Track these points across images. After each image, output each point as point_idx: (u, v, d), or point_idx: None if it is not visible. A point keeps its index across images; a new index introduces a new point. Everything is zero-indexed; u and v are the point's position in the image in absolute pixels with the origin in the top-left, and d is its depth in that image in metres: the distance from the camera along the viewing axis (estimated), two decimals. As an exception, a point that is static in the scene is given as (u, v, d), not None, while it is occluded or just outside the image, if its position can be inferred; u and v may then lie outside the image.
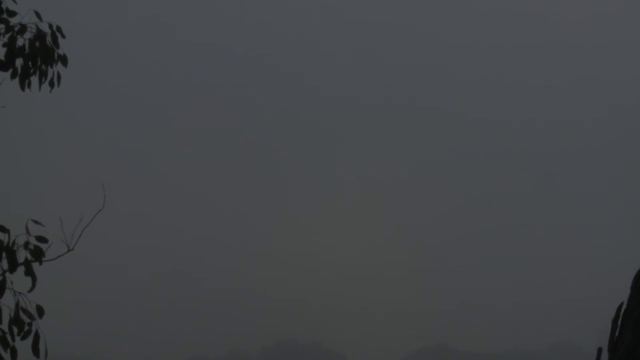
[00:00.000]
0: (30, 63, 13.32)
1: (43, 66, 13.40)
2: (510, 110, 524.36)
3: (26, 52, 13.23)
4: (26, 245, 11.87)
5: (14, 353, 11.70)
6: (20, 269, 11.87)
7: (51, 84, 13.63)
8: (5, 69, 13.32)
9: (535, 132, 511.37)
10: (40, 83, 13.55)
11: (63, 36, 13.35)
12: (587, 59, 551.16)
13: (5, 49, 13.24)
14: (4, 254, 11.76)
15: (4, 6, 13.14)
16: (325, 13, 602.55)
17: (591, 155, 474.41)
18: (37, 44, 13.25)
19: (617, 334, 9.45)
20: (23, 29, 13.18)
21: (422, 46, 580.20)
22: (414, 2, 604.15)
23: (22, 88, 13.50)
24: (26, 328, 11.71)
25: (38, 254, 11.92)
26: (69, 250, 12.50)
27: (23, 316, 11.65)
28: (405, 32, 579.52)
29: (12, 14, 13.19)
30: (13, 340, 11.64)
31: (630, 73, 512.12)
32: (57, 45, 13.40)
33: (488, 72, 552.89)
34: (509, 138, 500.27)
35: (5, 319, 11.62)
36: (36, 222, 11.95)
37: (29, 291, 11.76)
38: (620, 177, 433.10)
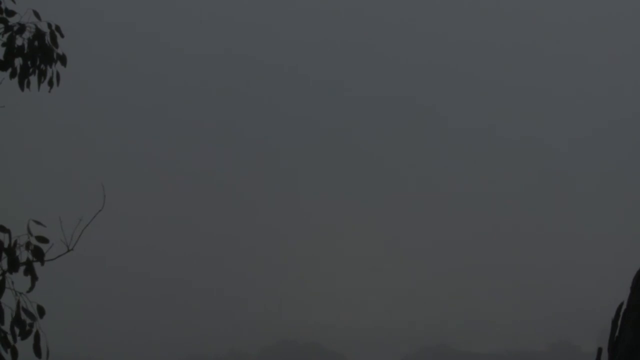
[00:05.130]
0: (29, 63, 13.31)
1: (42, 66, 13.39)
2: (510, 111, 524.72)
3: (25, 51, 13.22)
4: (28, 245, 11.86)
5: (14, 353, 11.69)
6: (20, 269, 11.86)
7: (50, 84, 13.62)
8: (4, 69, 13.30)
9: (537, 132, 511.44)
10: (40, 83, 13.54)
11: (62, 35, 13.34)
12: (588, 62, 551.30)
13: (4, 49, 13.23)
14: (3, 254, 11.75)
15: (2, 6, 13.12)
16: (326, 15, 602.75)
17: (592, 156, 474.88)
18: (36, 43, 13.24)
19: (617, 334, 9.44)
20: (22, 28, 13.16)
21: (425, 46, 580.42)
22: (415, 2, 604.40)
23: (22, 88, 13.49)
24: (27, 328, 11.70)
25: (39, 254, 11.92)
26: (68, 250, 12.49)
27: (24, 316, 11.64)
28: (406, 31, 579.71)
29: (11, 13, 13.18)
30: (15, 340, 11.63)
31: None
32: (56, 45, 13.38)
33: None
34: (511, 139, 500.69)
35: (7, 320, 11.61)
36: (37, 223, 11.95)
37: (28, 291, 11.75)
38: (621, 179, 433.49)
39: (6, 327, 11.58)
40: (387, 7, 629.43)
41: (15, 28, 13.14)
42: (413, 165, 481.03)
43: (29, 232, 11.83)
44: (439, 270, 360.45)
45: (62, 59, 13.52)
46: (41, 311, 11.78)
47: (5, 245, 11.72)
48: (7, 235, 11.72)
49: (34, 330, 11.75)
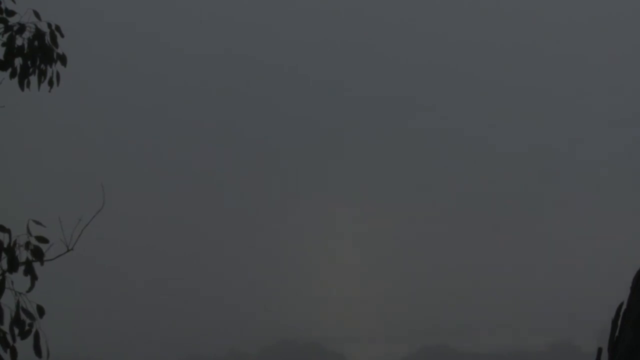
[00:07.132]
0: (29, 62, 13.31)
1: (42, 66, 13.38)
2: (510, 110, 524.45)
3: (25, 51, 13.22)
4: (27, 245, 11.86)
5: (13, 353, 11.68)
6: (20, 269, 11.86)
7: (50, 84, 13.62)
8: (4, 69, 13.31)
9: (537, 132, 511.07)
10: (40, 83, 13.54)
11: (62, 35, 13.34)
12: (588, 62, 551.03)
13: (4, 49, 13.23)
14: (3, 254, 11.75)
15: (2, 6, 13.13)
16: (326, 15, 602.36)
17: (592, 156, 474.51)
18: (36, 43, 13.24)
19: (617, 334, 9.44)
20: (22, 28, 13.16)
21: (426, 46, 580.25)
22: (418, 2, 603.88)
23: (22, 88, 13.49)
24: (27, 328, 11.68)
25: (38, 254, 11.91)
26: (68, 250, 12.48)
27: (24, 316, 11.63)
28: (406, 31, 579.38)
29: (11, 13, 13.18)
30: (14, 340, 11.62)
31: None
32: (56, 45, 13.38)
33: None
34: (511, 139, 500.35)
35: (7, 320, 11.60)
36: (37, 223, 11.94)
37: (27, 291, 11.74)
38: (621, 179, 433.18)
39: (5, 327, 11.57)
40: (387, 7, 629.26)
41: (15, 28, 13.15)
42: (413, 165, 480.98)
43: (29, 232, 11.83)
44: (439, 270, 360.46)
45: (62, 59, 13.52)
46: (41, 311, 11.77)
47: (5, 245, 11.72)
48: (7, 235, 11.73)
49: (34, 330, 11.74)
